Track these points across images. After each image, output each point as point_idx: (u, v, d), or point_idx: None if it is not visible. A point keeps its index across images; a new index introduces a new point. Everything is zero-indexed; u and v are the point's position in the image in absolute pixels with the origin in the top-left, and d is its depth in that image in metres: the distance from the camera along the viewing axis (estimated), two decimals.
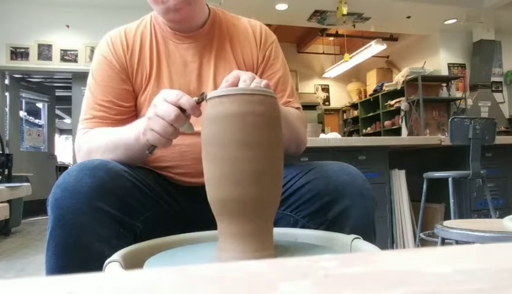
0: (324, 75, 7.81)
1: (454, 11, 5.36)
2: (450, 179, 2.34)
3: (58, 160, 7.01)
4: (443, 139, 2.66)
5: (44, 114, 6.46)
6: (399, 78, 5.86)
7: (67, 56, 4.94)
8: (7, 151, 4.34)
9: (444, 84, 5.67)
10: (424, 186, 2.52)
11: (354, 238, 0.62)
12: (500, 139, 2.71)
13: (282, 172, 0.58)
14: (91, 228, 0.64)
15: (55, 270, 0.65)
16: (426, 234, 2.49)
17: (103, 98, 0.87)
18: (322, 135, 2.68)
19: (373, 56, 6.69)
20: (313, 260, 0.24)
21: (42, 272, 0.68)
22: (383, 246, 2.46)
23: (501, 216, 1.28)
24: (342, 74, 7.53)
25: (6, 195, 3.14)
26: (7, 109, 5.33)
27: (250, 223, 0.53)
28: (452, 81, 5.80)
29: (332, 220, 0.76)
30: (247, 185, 0.52)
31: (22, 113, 6.12)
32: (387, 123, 6.28)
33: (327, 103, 7.98)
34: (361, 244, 0.60)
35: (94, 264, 0.53)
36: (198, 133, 0.59)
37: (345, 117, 7.98)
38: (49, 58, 4.89)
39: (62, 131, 12.38)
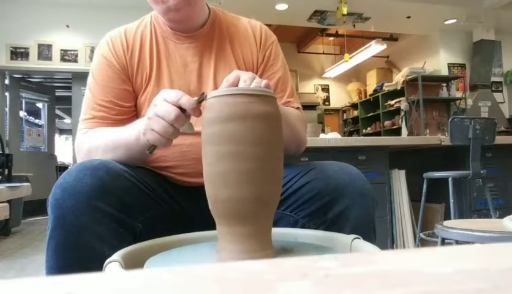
0: (324, 75, 7.81)
1: (454, 11, 5.36)
2: (450, 179, 2.34)
3: (58, 160, 7.01)
4: (443, 139, 2.66)
5: (44, 114, 6.46)
6: (398, 78, 5.86)
7: (67, 56, 4.94)
8: (7, 151, 4.34)
9: (444, 84, 5.67)
10: (424, 186, 2.52)
11: (354, 238, 0.62)
12: (500, 139, 2.71)
13: (282, 172, 0.58)
14: (91, 228, 0.64)
15: (55, 270, 0.65)
16: (426, 234, 2.49)
17: (103, 98, 0.87)
18: (322, 135, 2.68)
19: (373, 56, 6.69)
20: (313, 260, 0.24)
21: (42, 272, 0.68)
22: (383, 246, 2.46)
23: (501, 216, 1.28)
24: (342, 74, 7.53)
25: (6, 195, 3.14)
26: (7, 109, 5.33)
27: (250, 223, 0.53)
28: (452, 81, 5.79)
29: (332, 220, 0.76)
30: (247, 185, 0.52)
31: (22, 113, 6.12)
32: (387, 123, 6.28)
33: (327, 103, 7.98)
34: (361, 244, 0.60)
35: (94, 264, 0.53)
36: (198, 133, 0.59)
37: (345, 117, 7.98)
38: (49, 58, 4.89)
39: (62, 131, 12.38)
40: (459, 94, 5.74)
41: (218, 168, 0.53)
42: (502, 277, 0.21)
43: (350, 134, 6.94)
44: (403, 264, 0.24)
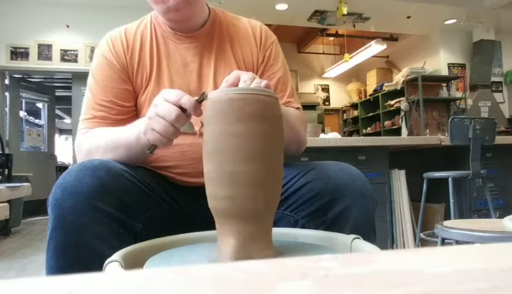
0: (324, 75, 7.81)
1: (454, 11, 5.36)
2: (450, 179, 2.34)
3: (58, 160, 7.01)
4: (443, 139, 2.65)
5: (44, 114, 6.46)
6: (399, 78, 5.86)
7: (67, 56, 4.94)
8: (7, 151, 4.34)
9: (444, 84, 5.67)
10: (424, 186, 2.52)
11: (354, 238, 0.62)
12: (500, 139, 2.71)
13: (282, 172, 0.58)
14: (91, 228, 0.64)
15: (55, 270, 0.65)
16: (426, 234, 2.49)
17: (104, 98, 0.87)
18: (322, 135, 2.68)
19: (373, 56, 6.69)
20: (313, 260, 0.24)
21: (42, 272, 0.68)
22: (383, 246, 2.46)
23: (501, 216, 1.28)
24: (342, 74, 7.53)
25: (6, 195, 3.14)
26: (7, 109, 5.33)
27: (250, 223, 0.53)
28: (452, 81, 5.79)
29: (332, 220, 0.76)
30: (247, 185, 0.52)
31: (22, 113, 6.12)
32: (387, 123, 6.28)
33: (327, 103, 7.98)
34: (361, 244, 0.60)
35: (94, 264, 0.53)
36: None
37: (345, 117, 7.98)
38: (49, 58, 4.89)
39: (62, 131, 12.38)
40: (459, 94, 5.74)
41: (219, 168, 0.53)
42: (502, 277, 0.21)
43: (350, 134, 6.94)
44: (403, 264, 0.24)
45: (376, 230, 0.80)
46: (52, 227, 0.64)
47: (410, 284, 0.20)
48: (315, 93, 7.79)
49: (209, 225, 0.63)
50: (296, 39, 7.49)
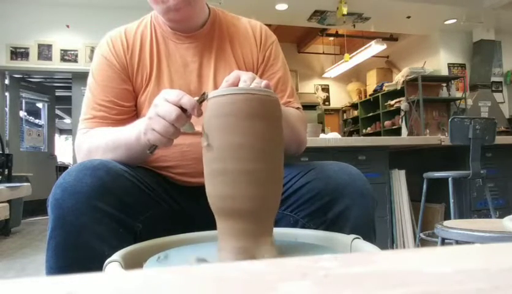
0: (324, 75, 7.81)
1: (454, 11, 5.36)
2: (450, 179, 2.34)
3: (58, 160, 7.01)
4: (443, 139, 2.66)
5: (44, 114, 6.46)
6: (399, 78, 5.86)
7: (67, 56, 4.93)
8: (7, 151, 4.34)
9: (444, 84, 5.67)
10: (424, 186, 2.52)
11: (354, 238, 0.62)
12: (500, 139, 2.71)
13: (282, 172, 0.58)
14: (91, 228, 0.64)
15: (55, 270, 0.65)
16: (426, 234, 2.49)
17: (104, 98, 0.87)
18: (322, 135, 2.68)
19: (373, 56, 6.69)
20: (313, 260, 0.24)
21: (42, 272, 0.68)
22: (383, 246, 2.46)
23: (501, 216, 1.28)
24: (342, 74, 7.53)
25: (6, 195, 3.14)
26: (7, 109, 5.33)
27: (250, 223, 0.53)
28: (452, 81, 5.79)
29: (332, 220, 0.76)
30: (248, 185, 0.52)
31: (22, 113, 6.12)
32: (387, 123, 6.28)
33: (327, 103, 7.98)
34: (361, 244, 0.60)
35: (94, 264, 0.53)
36: (198, 133, 0.59)
37: (345, 117, 7.98)
38: (49, 58, 4.89)
39: (62, 131, 12.38)
40: (459, 94, 5.74)
41: (219, 168, 0.53)
42: (502, 277, 0.21)
43: (350, 134, 6.94)
44: (403, 264, 0.24)
45: (376, 230, 0.80)
46: (52, 227, 0.64)
47: (410, 284, 0.20)
48: (315, 93, 7.79)
49: (209, 225, 0.63)
50: (296, 39, 7.49)
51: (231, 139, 0.52)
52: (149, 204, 0.76)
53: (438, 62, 6.06)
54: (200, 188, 0.62)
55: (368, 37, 6.27)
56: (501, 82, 6.37)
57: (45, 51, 4.88)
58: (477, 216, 2.86)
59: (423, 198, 2.54)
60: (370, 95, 7.02)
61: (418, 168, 2.70)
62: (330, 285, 0.20)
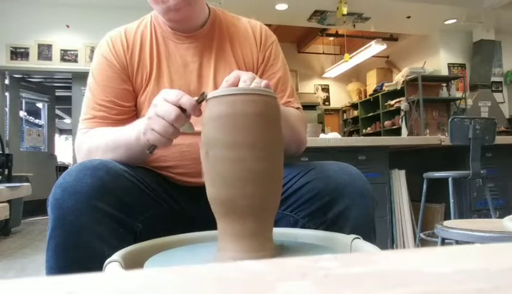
0: (324, 75, 7.81)
1: (454, 11, 5.36)
2: (450, 179, 2.34)
3: (58, 160, 7.01)
4: (443, 139, 2.66)
5: (44, 114, 6.46)
6: (399, 78, 5.86)
7: (67, 56, 4.94)
8: (7, 151, 4.34)
9: (444, 84, 5.67)
10: (424, 186, 2.52)
11: (354, 238, 0.62)
12: (500, 139, 2.71)
13: (282, 172, 0.58)
14: (91, 228, 0.64)
15: (55, 270, 0.65)
16: (426, 234, 2.49)
17: (104, 98, 0.87)
18: (322, 135, 2.68)
19: (373, 56, 6.69)
20: (313, 260, 0.24)
21: (42, 272, 0.68)
22: (383, 246, 2.46)
23: (501, 216, 1.28)
24: (342, 74, 7.53)
25: (6, 195, 3.14)
26: (7, 109, 5.33)
27: (250, 223, 0.53)
28: (452, 81, 5.79)
29: (332, 220, 0.76)
30: (247, 185, 0.52)
31: (22, 113, 6.12)
32: (387, 123, 6.28)
33: (327, 103, 7.98)
34: (361, 244, 0.60)
35: (94, 264, 0.53)
36: (198, 133, 0.59)
37: (345, 117, 7.98)
38: (49, 58, 4.89)
39: (62, 131, 12.38)
40: (459, 94, 5.74)
41: (218, 168, 0.53)
42: (502, 277, 0.21)
43: (350, 134, 6.94)
44: (403, 264, 0.24)
45: (376, 230, 0.80)
46: (52, 227, 0.64)
47: (410, 284, 0.20)
48: (315, 93, 7.79)
49: (209, 225, 0.63)
50: (296, 39, 7.49)
51: (231, 140, 0.52)
52: (149, 204, 0.76)
53: (438, 62, 6.06)
54: (200, 188, 0.62)
55: (369, 37, 6.27)
56: (501, 82, 6.37)
57: (45, 51, 4.88)
58: (477, 216, 2.86)
59: (423, 198, 2.54)
60: (370, 95, 7.02)
61: (418, 168, 2.70)
62: (330, 285, 0.20)
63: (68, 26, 4.92)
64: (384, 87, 6.34)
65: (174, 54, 0.91)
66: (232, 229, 0.54)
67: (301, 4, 4.99)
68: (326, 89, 8.04)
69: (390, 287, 0.19)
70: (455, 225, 1.32)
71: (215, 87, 0.88)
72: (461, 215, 2.83)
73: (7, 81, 5.29)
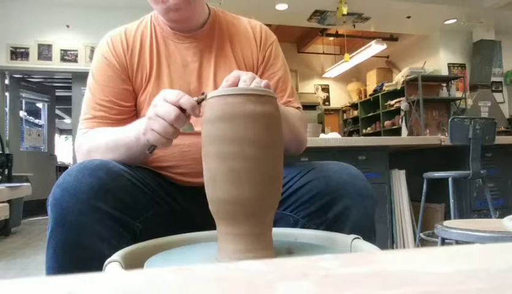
0: (324, 75, 7.81)
1: (454, 11, 5.36)
2: (450, 179, 2.34)
3: (58, 160, 7.01)
4: (443, 139, 2.66)
5: (44, 114, 6.46)
6: (399, 78, 5.86)
7: (67, 56, 4.94)
8: (7, 151, 4.34)
9: (444, 84, 5.67)
10: (424, 186, 2.52)
11: (354, 238, 0.62)
12: (500, 139, 2.71)
13: (282, 172, 0.58)
14: (91, 228, 0.64)
15: (55, 270, 0.65)
16: (426, 234, 2.49)
17: (104, 98, 0.87)
18: (322, 135, 2.68)
19: (373, 56, 6.69)
20: (313, 260, 0.24)
21: (42, 272, 0.68)
22: (383, 246, 2.46)
23: (501, 216, 1.28)
24: (342, 74, 7.53)
25: (6, 195, 3.14)
26: (7, 109, 5.33)
27: (250, 223, 0.53)
28: (452, 81, 5.80)
29: (332, 220, 0.76)
30: (247, 185, 0.52)
31: (22, 113, 6.12)
32: (387, 123, 6.28)
33: (327, 103, 7.98)
34: (361, 244, 0.60)
35: (94, 264, 0.53)
36: (198, 133, 0.59)
37: (345, 117, 7.98)
38: (49, 58, 4.90)
39: (62, 131, 12.38)
40: (459, 94, 5.74)
41: (219, 168, 0.53)
42: (502, 277, 0.21)
43: (350, 134, 6.94)
44: (403, 264, 0.24)
45: (376, 230, 0.80)
46: (52, 227, 0.64)
47: (410, 284, 0.20)
48: (315, 93, 7.79)
49: (209, 225, 0.63)
50: (296, 39, 7.49)
51: (231, 140, 0.52)
52: (149, 204, 0.76)
53: (438, 62, 6.06)
54: (200, 188, 0.62)
55: (369, 37, 6.27)
56: (501, 82, 6.37)
57: (45, 51, 4.88)
58: (477, 216, 2.86)
59: (423, 198, 2.54)
60: (370, 95, 7.02)
61: (418, 168, 2.70)
62: (330, 285, 0.20)
63: (68, 26, 4.92)
64: (384, 87, 6.34)
65: (174, 54, 0.91)
66: (231, 229, 0.54)
67: (300, 4, 4.99)
68: (326, 89, 8.04)
69: (390, 287, 0.19)
70: (455, 225, 1.32)
71: (215, 87, 0.88)
72: (461, 215, 2.83)
73: (7, 81, 5.29)
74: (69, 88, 5.38)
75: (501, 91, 6.33)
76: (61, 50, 4.92)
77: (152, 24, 0.93)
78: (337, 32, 6.80)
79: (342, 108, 8.08)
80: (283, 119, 0.60)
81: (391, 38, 6.84)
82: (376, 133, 6.55)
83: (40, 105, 6.64)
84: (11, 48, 4.81)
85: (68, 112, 8.05)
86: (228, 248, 0.54)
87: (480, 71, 5.88)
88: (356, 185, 0.76)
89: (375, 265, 0.24)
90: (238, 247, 0.53)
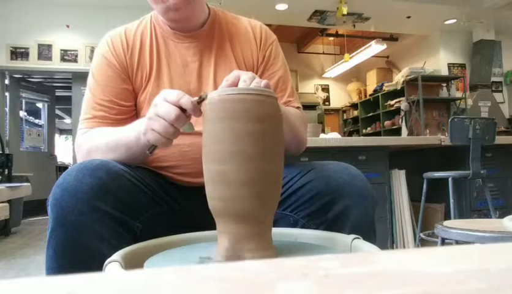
0: (324, 75, 7.81)
1: (454, 11, 5.36)
2: (450, 179, 2.34)
3: (58, 160, 7.01)
4: (443, 139, 2.66)
5: (44, 114, 6.46)
6: (399, 78, 5.86)
7: (67, 56, 4.94)
8: (7, 151, 4.34)
9: (444, 84, 5.67)
10: (424, 186, 2.52)
11: (354, 238, 0.62)
12: (500, 139, 2.71)
13: (282, 172, 0.58)
14: (91, 228, 0.64)
15: (55, 270, 0.65)
16: (426, 234, 2.49)
17: (104, 98, 0.87)
18: (322, 135, 2.68)
19: (373, 56, 6.69)
20: (313, 260, 0.24)
21: (42, 272, 0.68)
22: (383, 246, 2.46)
23: (501, 216, 1.28)
24: (342, 74, 7.53)
25: (6, 195, 3.14)
26: (7, 109, 5.33)
27: (250, 223, 0.53)
28: (452, 81, 5.79)
29: (332, 220, 0.76)
30: (247, 185, 0.52)
31: (22, 113, 6.12)
32: (387, 123, 6.28)
33: (327, 103, 7.98)
34: (361, 244, 0.60)
35: (94, 264, 0.53)
36: (198, 133, 0.59)
37: (345, 117, 7.98)
38: (49, 58, 4.90)
39: (62, 131, 12.38)
40: (459, 94, 5.74)
41: (219, 168, 0.53)
42: (502, 277, 0.21)
43: (350, 134, 6.94)
44: (403, 264, 0.24)
45: (376, 230, 0.80)
46: (52, 227, 0.64)
47: (410, 284, 0.20)
48: (315, 93, 7.79)
49: (209, 225, 0.63)
50: (296, 39, 7.49)
51: (231, 140, 0.52)
52: (149, 204, 0.76)
53: (438, 62, 6.06)
54: (200, 189, 0.62)
55: (369, 37, 6.27)
56: (501, 82, 6.37)
57: (45, 51, 4.88)
58: (477, 216, 2.86)
59: (423, 198, 2.54)
60: (370, 95, 7.02)
61: (418, 168, 2.70)
62: (330, 285, 0.20)
63: (68, 26, 4.92)
64: (384, 87, 6.34)
65: (174, 53, 0.91)
66: (232, 229, 0.54)
67: (300, 4, 4.99)
68: (326, 89, 8.04)
69: (390, 287, 0.19)
70: (455, 225, 1.32)
71: (215, 87, 0.88)
72: (461, 215, 2.83)
73: (7, 81, 5.29)
74: (69, 88, 5.38)
75: (501, 91, 6.33)
76: (61, 50, 4.92)
77: (152, 24, 0.93)
78: (337, 32, 6.80)
79: (342, 108, 8.08)
80: (284, 119, 0.60)
81: (391, 38, 6.84)
82: (376, 133, 6.55)
83: (40, 105, 6.64)
84: (11, 48, 4.81)
85: (68, 112, 8.05)
86: (227, 248, 0.54)
87: (480, 71, 5.88)
88: (356, 185, 0.76)
89: (375, 265, 0.24)
90: (238, 246, 0.53)
